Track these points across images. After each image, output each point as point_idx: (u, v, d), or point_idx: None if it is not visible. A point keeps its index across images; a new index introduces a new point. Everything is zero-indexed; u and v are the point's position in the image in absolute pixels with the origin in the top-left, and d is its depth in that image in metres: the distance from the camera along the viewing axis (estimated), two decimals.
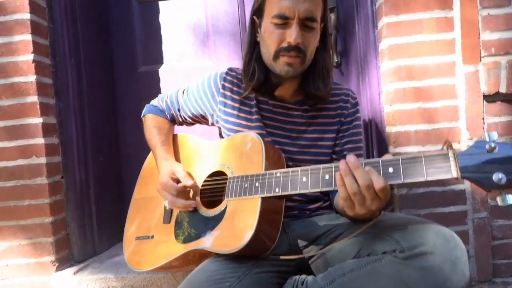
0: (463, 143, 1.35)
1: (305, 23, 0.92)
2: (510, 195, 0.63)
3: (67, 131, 1.59)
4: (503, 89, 1.31)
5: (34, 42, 1.46)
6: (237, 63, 1.75)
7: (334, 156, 1.09)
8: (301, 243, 1.03)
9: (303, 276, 0.93)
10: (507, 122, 1.34)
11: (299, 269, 1.01)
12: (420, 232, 0.79)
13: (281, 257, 0.93)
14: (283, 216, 0.93)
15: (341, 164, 0.75)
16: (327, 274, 0.87)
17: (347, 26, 1.67)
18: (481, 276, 1.34)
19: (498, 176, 0.63)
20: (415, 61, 1.36)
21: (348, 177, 0.73)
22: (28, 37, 1.45)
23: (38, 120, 1.47)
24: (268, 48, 0.97)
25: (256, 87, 1.01)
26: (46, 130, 1.50)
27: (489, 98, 1.34)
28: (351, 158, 0.74)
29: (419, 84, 1.36)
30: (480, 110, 1.34)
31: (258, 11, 0.98)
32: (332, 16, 1.62)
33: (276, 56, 0.95)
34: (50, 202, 1.48)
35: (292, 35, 0.91)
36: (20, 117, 1.46)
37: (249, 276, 0.87)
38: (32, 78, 1.45)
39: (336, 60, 1.67)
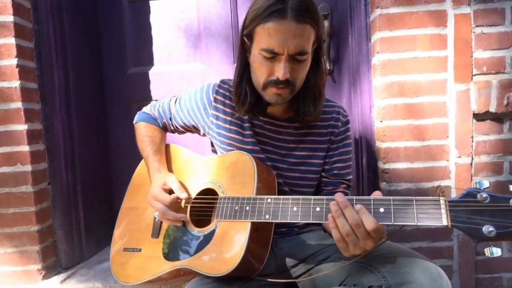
0: (451, 161, 1.36)
1: (295, 57, 0.88)
2: (497, 248, 0.65)
3: (53, 137, 1.54)
4: (492, 109, 1.31)
5: (18, 46, 1.40)
6: (229, 67, 1.72)
7: (323, 174, 1.08)
8: (289, 262, 1.03)
9: None
10: (495, 140, 1.35)
11: (287, 286, 1.01)
12: (408, 268, 0.79)
13: (269, 279, 0.93)
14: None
15: (332, 206, 0.75)
16: None
17: (340, 33, 1.65)
18: None
19: (488, 229, 0.64)
20: (407, 78, 1.35)
21: (340, 218, 0.73)
22: (11, 40, 1.39)
23: (22, 127, 1.42)
24: (257, 78, 0.95)
25: (248, 110, 0.99)
26: (32, 137, 1.45)
27: (479, 116, 1.35)
28: (340, 197, 0.75)
29: (410, 101, 1.35)
30: (470, 129, 1.35)
31: (248, 36, 0.94)
32: (326, 23, 1.59)
33: (265, 87, 0.93)
34: (36, 211, 1.45)
35: (280, 71, 0.87)
36: (4, 123, 1.42)
37: None
38: (16, 83, 1.40)
39: (329, 68, 1.65)
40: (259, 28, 0.88)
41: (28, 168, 1.43)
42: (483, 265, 1.38)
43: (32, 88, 1.48)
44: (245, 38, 0.94)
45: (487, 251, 0.65)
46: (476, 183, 0.67)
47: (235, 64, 1.01)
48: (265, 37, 0.86)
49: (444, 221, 0.67)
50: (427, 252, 1.38)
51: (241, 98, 0.99)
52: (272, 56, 0.88)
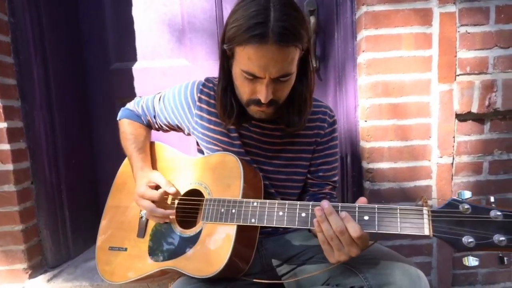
0: (433, 161, 1.37)
1: (278, 79, 0.83)
2: (474, 258, 0.66)
3: (35, 135, 1.51)
4: (474, 109, 1.32)
5: None
6: (214, 64, 1.68)
7: (309, 175, 1.07)
8: (274, 262, 1.05)
9: None
10: (476, 141, 1.36)
11: (271, 285, 1.03)
12: (389, 269, 0.80)
13: (254, 280, 0.94)
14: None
15: (317, 211, 0.76)
16: None
17: (327, 30, 1.61)
18: (441, 285, 1.42)
19: (467, 240, 0.65)
20: (392, 77, 1.34)
21: (325, 223, 0.74)
22: None
23: (2, 125, 1.38)
24: (240, 94, 0.92)
25: (235, 122, 0.98)
26: (12, 135, 1.41)
27: (461, 117, 1.35)
28: (325, 204, 0.75)
29: (395, 101, 1.35)
30: (452, 129, 1.35)
31: (229, 50, 0.86)
32: (312, 19, 1.56)
33: (247, 105, 0.91)
34: (19, 210, 1.43)
35: (262, 94, 0.83)
36: None
37: None
38: None
39: (315, 65, 1.62)
40: (239, 49, 0.82)
41: (10, 167, 1.40)
42: (460, 262, 1.37)
43: (10, 84, 1.43)
44: (226, 50, 0.87)
45: (465, 261, 0.66)
46: (458, 193, 0.68)
47: (218, 75, 0.96)
48: (245, 60, 0.81)
49: (426, 231, 0.68)
50: (408, 249, 1.41)
51: (227, 110, 0.95)
52: (253, 77, 0.83)
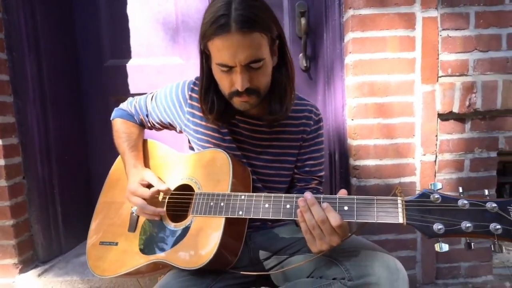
0: (417, 158, 1.42)
1: (250, 66, 0.86)
2: (445, 244, 0.70)
3: (27, 130, 1.51)
4: (455, 109, 1.37)
5: None
6: None
7: (295, 171, 1.10)
8: (262, 255, 1.07)
9: None
10: (458, 139, 1.41)
11: (259, 278, 1.05)
12: (368, 261, 0.84)
13: (242, 272, 0.97)
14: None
15: (300, 202, 0.79)
16: None
17: (317, 31, 1.66)
18: (425, 278, 1.46)
19: (438, 227, 0.69)
20: (377, 78, 1.38)
21: (307, 213, 0.78)
22: None
23: None
24: (222, 90, 0.95)
25: (218, 118, 1.00)
26: (4, 130, 1.42)
27: (443, 116, 1.40)
28: (308, 195, 0.79)
29: (380, 101, 1.39)
30: (434, 128, 1.40)
31: (205, 49, 0.92)
32: (303, 20, 1.60)
33: (230, 97, 0.93)
34: (10, 205, 1.43)
35: (238, 82, 0.87)
36: None
37: None
38: None
39: (305, 65, 1.66)
40: (209, 44, 0.87)
41: (1, 162, 1.41)
42: (444, 256, 1.46)
43: (3, 80, 1.44)
44: (205, 51, 0.92)
45: (436, 246, 0.70)
46: (430, 184, 0.73)
47: (199, 76, 0.99)
48: (216, 52, 0.86)
49: (400, 219, 0.73)
50: (393, 243, 1.44)
51: (209, 107, 0.99)
52: (228, 68, 0.87)
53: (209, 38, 0.85)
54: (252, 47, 0.84)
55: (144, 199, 1.00)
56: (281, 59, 0.97)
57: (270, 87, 0.97)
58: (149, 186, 1.02)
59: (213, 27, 0.83)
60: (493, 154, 1.43)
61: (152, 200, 1.01)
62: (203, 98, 0.99)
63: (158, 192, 1.01)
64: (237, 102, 0.94)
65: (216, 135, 1.06)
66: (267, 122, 1.04)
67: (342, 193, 0.81)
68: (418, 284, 1.46)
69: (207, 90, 0.98)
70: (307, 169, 1.09)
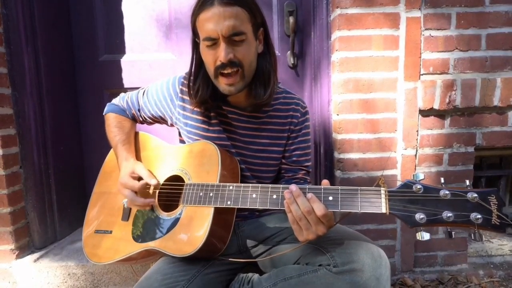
0: (398, 152, 1.42)
1: (233, 39, 0.88)
2: (427, 233, 0.69)
3: (24, 121, 1.48)
4: (436, 106, 1.36)
5: None
6: None
7: (283, 161, 1.10)
8: (250, 243, 1.07)
9: (249, 274, 0.99)
10: (437, 135, 1.41)
11: (247, 265, 1.05)
12: (353, 249, 0.84)
13: (230, 259, 0.97)
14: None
15: (286, 193, 0.79)
16: (271, 276, 0.92)
17: (305, 29, 1.64)
18: (404, 266, 1.46)
19: (419, 216, 0.68)
20: (362, 75, 1.37)
21: (293, 204, 0.77)
22: None
23: None
24: (208, 69, 0.95)
25: (201, 101, 1.00)
26: (2, 121, 1.39)
27: (424, 113, 1.39)
28: (293, 187, 0.79)
29: (364, 97, 1.38)
30: (416, 123, 1.39)
31: (195, 34, 0.95)
32: (291, 19, 1.58)
33: (216, 76, 0.93)
34: (7, 193, 1.41)
35: (221, 53, 0.88)
36: None
37: (199, 278, 0.91)
38: None
39: (293, 62, 1.65)
40: (197, 22, 0.91)
41: None
42: (422, 245, 1.46)
43: (1, 73, 1.40)
44: (196, 39, 0.96)
45: (418, 235, 0.70)
46: (413, 175, 0.71)
47: (189, 67, 1.01)
48: (202, 28, 0.89)
49: (383, 209, 0.72)
50: (374, 233, 1.44)
51: (195, 91, 1.00)
52: (213, 43, 0.89)
53: (196, 15, 0.90)
54: (233, 19, 0.87)
55: (134, 191, 1.00)
56: (266, 47, 0.99)
57: (255, 74, 0.97)
58: (140, 178, 1.01)
59: (199, 4, 0.89)
60: (471, 149, 1.43)
61: (143, 192, 1.00)
62: (192, 84, 1.00)
63: (149, 184, 1.00)
64: (222, 83, 0.94)
65: (206, 126, 1.05)
66: (252, 108, 1.03)
67: (325, 183, 0.80)
68: (397, 271, 1.46)
69: (196, 76, 1.00)
70: (294, 159, 1.09)
